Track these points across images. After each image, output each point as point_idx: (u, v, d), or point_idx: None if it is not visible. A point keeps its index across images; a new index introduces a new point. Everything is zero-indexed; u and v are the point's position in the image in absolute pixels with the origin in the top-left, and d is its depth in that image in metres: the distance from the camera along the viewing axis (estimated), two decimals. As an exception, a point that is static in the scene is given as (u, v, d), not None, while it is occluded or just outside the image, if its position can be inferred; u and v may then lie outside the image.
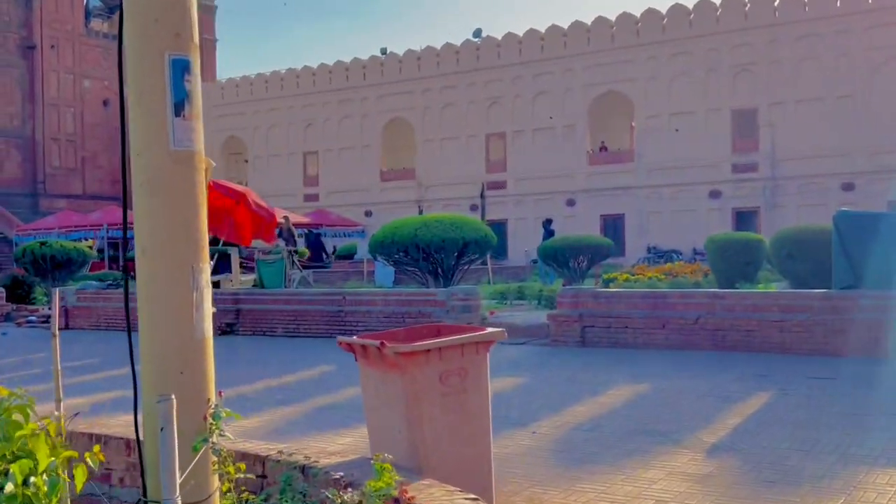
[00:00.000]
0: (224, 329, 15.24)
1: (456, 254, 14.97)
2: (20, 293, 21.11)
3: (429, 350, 4.80)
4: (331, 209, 45.09)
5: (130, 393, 3.41)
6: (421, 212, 41.21)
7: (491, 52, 43.46)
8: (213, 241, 21.96)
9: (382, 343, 4.77)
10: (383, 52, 47.76)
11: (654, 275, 20.71)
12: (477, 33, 45.38)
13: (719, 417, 7.25)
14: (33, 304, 20.56)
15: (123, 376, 11.00)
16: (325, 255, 35.74)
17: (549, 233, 22.90)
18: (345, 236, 38.85)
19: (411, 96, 45.41)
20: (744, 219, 37.36)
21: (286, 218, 16.75)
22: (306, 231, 41.79)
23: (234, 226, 18.19)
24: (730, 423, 7.00)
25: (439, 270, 15.19)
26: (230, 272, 18.05)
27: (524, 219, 40.34)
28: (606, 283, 20.35)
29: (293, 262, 16.78)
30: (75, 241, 38.43)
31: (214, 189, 17.37)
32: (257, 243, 18.34)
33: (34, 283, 21.09)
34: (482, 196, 43.44)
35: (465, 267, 15.67)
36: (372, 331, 13.95)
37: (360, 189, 46.67)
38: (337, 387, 9.57)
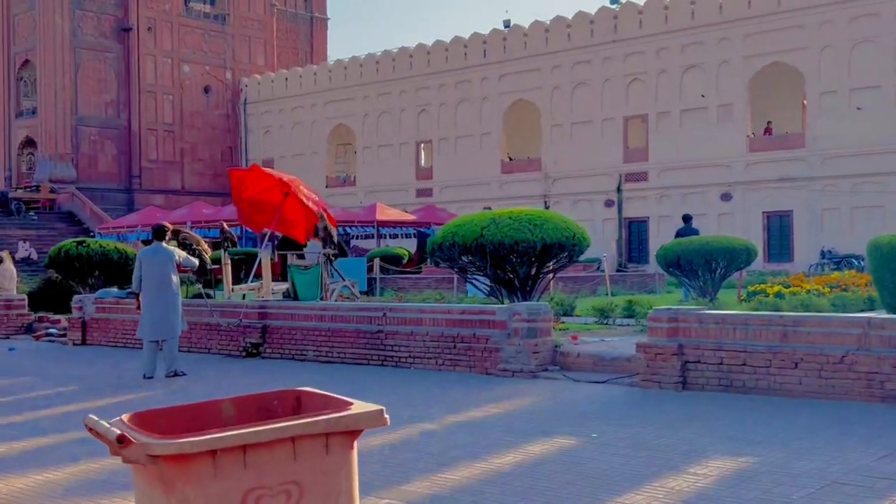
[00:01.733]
0: (249, 351, 13.68)
1: (535, 259, 12.85)
2: (58, 299, 20.34)
3: (215, 451, 2.84)
4: (445, 205, 43.66)
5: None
6: (547, 207, 39.21)
7: (631, 20, 40.89)
8: (286, 244, 20.55)
9: (122, 438, 2.84)
10: (506, 24, 45.93)
11: (816, 287, 18.03)
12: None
13: (844, 532, 4.95)
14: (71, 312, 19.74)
15: (84, 412, 9.70)
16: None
17: (689, 232, 19.77)
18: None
19: (538, 74, 43.34)
20: (948, 217, 33.54)
21: (322, 214, 15.07)
22: (415, 231, 40.60)
23: (283, 221, 16.73)
24: (858, 547, 4.71)
25: (516, 281, 13.10)
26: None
27: (669, 216, 37.49)
28: (751, 296, 17.92)
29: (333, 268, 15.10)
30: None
31: (253, 178, 15.94)
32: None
33: (73, 288, 20.23)
34: (619, 190, 40.92)
35: (549, 276, 13.52)
36: (416, 358, 12.07)
37: (478, 182, 45.00)
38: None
